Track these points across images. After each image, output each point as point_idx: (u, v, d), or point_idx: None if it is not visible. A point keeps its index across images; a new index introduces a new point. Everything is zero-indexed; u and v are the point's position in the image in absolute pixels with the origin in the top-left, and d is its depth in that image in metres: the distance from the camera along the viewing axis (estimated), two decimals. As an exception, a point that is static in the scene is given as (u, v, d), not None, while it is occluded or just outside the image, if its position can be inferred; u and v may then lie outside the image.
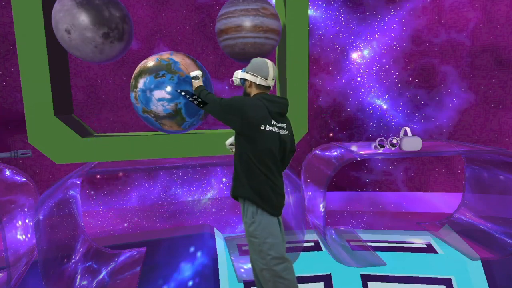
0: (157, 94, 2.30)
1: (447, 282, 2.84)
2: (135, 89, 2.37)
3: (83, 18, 2.31)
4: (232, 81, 2.23)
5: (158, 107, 2.34)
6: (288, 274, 2.02)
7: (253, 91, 2.14)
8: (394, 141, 3.35)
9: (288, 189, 3.07)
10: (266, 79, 2.07)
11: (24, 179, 3.11)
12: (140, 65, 2.53)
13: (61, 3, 2.38)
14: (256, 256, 2.04)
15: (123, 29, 2.52)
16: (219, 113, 2.07)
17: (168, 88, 2.31)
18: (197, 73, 2.30)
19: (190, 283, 2.89)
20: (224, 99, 2.09)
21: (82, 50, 2.45)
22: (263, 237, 2.00)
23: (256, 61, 2.11)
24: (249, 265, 3.09)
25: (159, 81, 2.31)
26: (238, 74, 2.17)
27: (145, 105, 2.34)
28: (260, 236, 2.00)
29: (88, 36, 2.35)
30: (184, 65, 2.45)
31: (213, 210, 4.88)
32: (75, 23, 2.31)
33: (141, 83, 2.32)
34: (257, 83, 2.08)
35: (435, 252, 3.38)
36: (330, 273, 2.98)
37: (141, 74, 2.38)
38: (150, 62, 2.46)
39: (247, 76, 2.12)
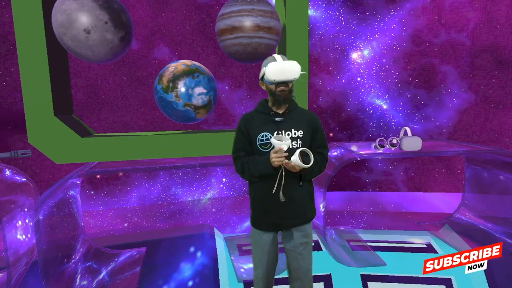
0: (197, 90, 2.83)
1: (447, 282, 2.84)
2: (175, 90, 2.83)
3: (106, 21, 2.45)
4: (290, 85, 1.82)
5: (199, 100, 2.83)
6: None
7: None
8: (394, 141, 3.35)
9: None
10: None
11: (24, 179, 3.11)
12: (170, 71, 2.86)
13: (78, 2, 2.40)
14: (310, 260, 1.97)
15: (132, 34, 2.70)
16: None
17: (204, 86, 2.87)
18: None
19: (190, 283, 2.89)
20: (324, 135, 1.91)
21: (96, 51, 2.52)
22: None
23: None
24: (250, 265, 3.09)
25: (197, 81, 2.81)
26: (299, 69, 1.77)
27: (187, 100, 2.81)
28: None
29: (108, 38, 2.50)
30: (205, 68, 2.92)
31: (213, 210, 4.88)
32: (97, 25, 2.43)
33: (181, 85, 2.80)
34: None
35: (435, 252, 3.38)
36: (330, 273, 2.98)
37: (178, 78, 2.82)
38: (180, 67, 2.87)
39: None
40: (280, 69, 1.73)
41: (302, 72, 1.80)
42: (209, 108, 2.95)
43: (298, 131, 1.82)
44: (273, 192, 1.80)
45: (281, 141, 1.71)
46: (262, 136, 1.81)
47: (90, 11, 2.39)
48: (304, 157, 1.73)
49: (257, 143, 1.83)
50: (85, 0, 2.39)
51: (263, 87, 1.87)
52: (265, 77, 1.78)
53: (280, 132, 1.82)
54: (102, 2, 2.44)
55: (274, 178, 1.80)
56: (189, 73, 2.80)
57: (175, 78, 2.78)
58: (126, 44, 2.66)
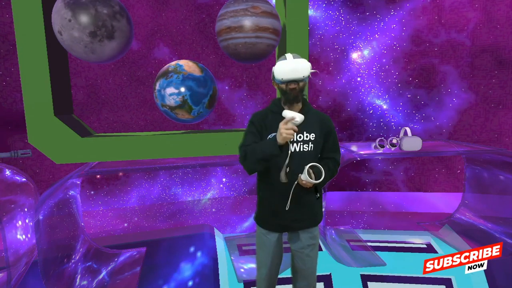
0: (168, 91, 2.77)
1: (447, 282, 2.84)
2: (154, 91, 2.86)
3: (70, 18, 2.36)
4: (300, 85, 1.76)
5: (171, 101, 2.77)
6: None
7: None
8: (394, 141, 3.35)
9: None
10: None
11: (24, 179, 3.11)
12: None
13: (55, 5, 2.41)
14: (316, 260, 1.96)
15: (112, 26, 2.46)
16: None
17: (175, 86, 2.79)
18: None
19: (190, 283, 2.89)
20: (336, 139, 1.89)
21: (75, 50, 2.49)
22: None
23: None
24: (250, 265, 3.09)
25: (169, 81, 2.77)
26: (309, 67, 1.73)
27: (162, 101, 2.81)
28: None
29: (76, 36, 2.41)
30: (187, 66, 2.84)
31: (213, 210, 4.88)
32: (63, 24, 2.38)
33: (157, 85, 2.82)
34: None
35: (435, 252, 3.38)
36: (330, 273, 2.98)
37: (158, 79, 2.85)
38: (163, 68, 2.91)
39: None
40: (288, 67, 1.69)
41: (312, 70, 1.75)
42: (188, 109, 2.79)
43: (310, 134, 1.79)
44: (286, 209, 1.80)
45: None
46: (274, 137, 1.77)
47: (57, 12, 2.36)
48: (313, 168, 1.72)
49: None
50: (57, 2, 2.39)
51: (276, 87, 1.84)
52: (274, 76, 1.76)
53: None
54: (69, 0, 2.36)
55: (284, 186, 1.79)
56: (165, 73, 2.78)
57: (156, 80, 2.84)
58: (104, 39, 2.44)
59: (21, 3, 2.46)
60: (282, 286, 2.73)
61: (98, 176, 4.94)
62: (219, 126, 5.44)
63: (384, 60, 5.38)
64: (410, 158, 5.48)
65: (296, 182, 1.77)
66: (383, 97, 5.46)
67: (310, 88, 5.53)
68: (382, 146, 3.35)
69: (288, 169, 1.77)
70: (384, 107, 5.48)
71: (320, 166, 1.70)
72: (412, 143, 3.26)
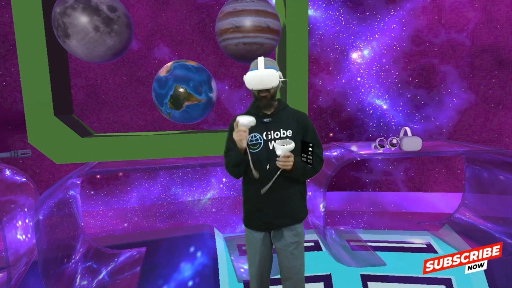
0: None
1: (447, 282, 2.84)
2: None
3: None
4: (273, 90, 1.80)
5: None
6: None
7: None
8: (394, 141, 3.35)
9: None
10: None
11: (24, 179, 3.12)
12: None
13: None
14: (302, 260, 1.96)
15: (64, 24, 2.27)
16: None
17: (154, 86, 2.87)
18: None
19: (190, 283, 2.89)
20: (315, 134, 1.90)
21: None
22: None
23: (270, 58, 1.87)
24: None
25: None
26: (277, 77, 1.77)
27: None
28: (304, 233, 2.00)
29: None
30: (163, 67, 2.84)
31: (213, 210, 4.88)
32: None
33: None
34: None
35: (435, 252, 3.38)
36: (330, 273, 2.98)
37: None
38: None
39: (281, 76, 1.83)
40: (256, 79, 1.75)
41: (282, 79, 1.81)
42: (160, 110, 2.85)
43: (287, 131, 1.85)
44: (262, 193, 1.81)
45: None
46: (252, 137, 1.84)
47: None
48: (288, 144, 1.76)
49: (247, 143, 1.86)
50: None
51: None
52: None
53: (269, 132, 1.84)
54: None
55: (265, 178, 1.82)
56: None
57: None
58: (64, 39, 2.38)
59: (21, 3, 2.47)
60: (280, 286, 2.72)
61: (98, 176, 4.94)
62: (219, 126, 5.44)
63: (384, 60, 5.38)
64: (410, 158, 5.48)
65: (279, 171, 1.79)
66: (383, 97, 5.46)
67: (310, 88, 5.53)
68: (382, 146, 3.35)
69: (268, 166, 1.82)
70: (384, 107, 5.48)
71: (287, 140, 1.77)
72: (412, 143, 3.26)
